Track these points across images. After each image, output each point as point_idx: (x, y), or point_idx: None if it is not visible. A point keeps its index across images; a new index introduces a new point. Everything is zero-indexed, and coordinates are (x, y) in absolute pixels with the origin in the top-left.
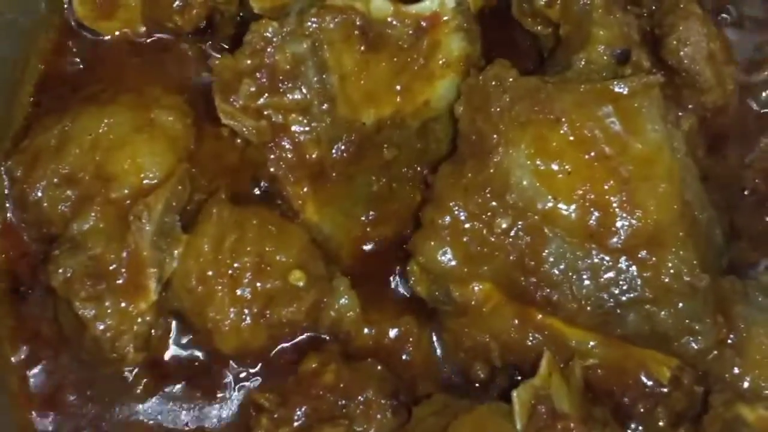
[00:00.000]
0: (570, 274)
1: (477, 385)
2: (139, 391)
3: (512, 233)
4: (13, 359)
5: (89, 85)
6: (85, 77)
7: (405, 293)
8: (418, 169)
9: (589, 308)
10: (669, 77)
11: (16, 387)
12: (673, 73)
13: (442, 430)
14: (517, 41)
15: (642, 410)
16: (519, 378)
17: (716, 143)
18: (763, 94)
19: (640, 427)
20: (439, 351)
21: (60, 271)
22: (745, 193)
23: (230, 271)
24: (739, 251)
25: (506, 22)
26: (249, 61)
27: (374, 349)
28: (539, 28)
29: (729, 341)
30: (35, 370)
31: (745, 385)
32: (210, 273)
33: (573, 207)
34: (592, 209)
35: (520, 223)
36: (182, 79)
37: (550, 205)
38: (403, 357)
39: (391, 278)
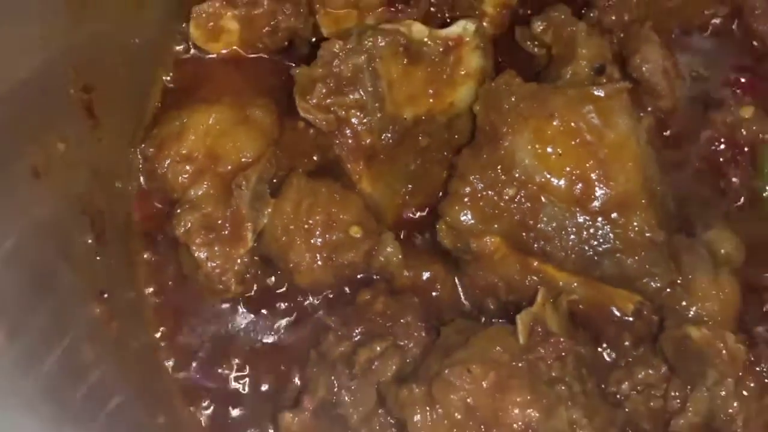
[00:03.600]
0: (560, 230)
1: (489, 314)
2: (237, 315)
3: (516, 199)
4: (146, 291)
5: (200, 90)
6: (196, 84)
7: (435, 246)
8: (445, 153)
9: (573, 256)
10: (634, 86)
11: (150, 315)
12: (636, 83)
13: (462, 343)
14: (519, 58)
15: (612, 334)
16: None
17: (669, 135)
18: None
19: (609, 347)
20: (460, 289)
21: (182, 224)
22: (690, 172)
23: (306, 226)
24: (687, 216)
25: (512, 44)
26: (321, 71)
27: (412, 287)
28: (536, 49)
29: (679, 282)
30: (161, 300)
31: (691, 314)
32: (291, 227)
33: (562, 180)
34: (576, 182)
35: (522, 192)
36: (269, 85)
37: (545, 178)
38: (433, 293)
39: (425, 234)
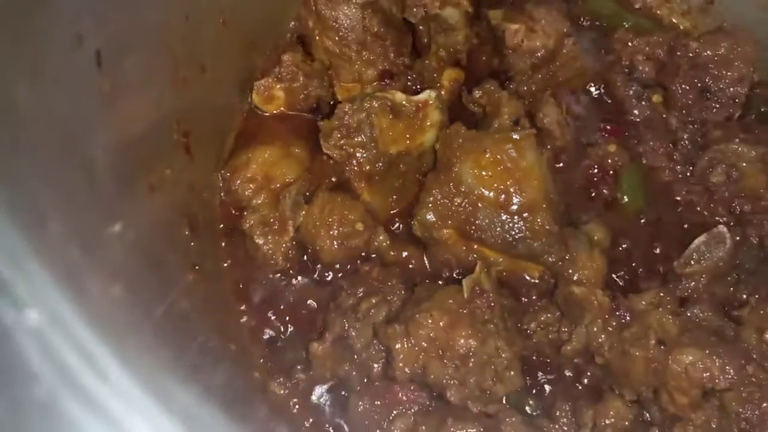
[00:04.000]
0: (491, 225)
1: (445, 279)
2: (283, 281)
3: (462, 205)
4: (224, 265)
5: (260, 135)
6: (258, 131)
7: (411, 235)
8: (417, 176)
9: (499, 241)
10: (538, 132)
11: (227, 280)
12: (540, 130)
13: (428, 298)
14: (465, 114)
15: (525, 291)
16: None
17: (561, 163)
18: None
19: (524, 299)
20: (427, 263)
21: (247, 222)
22: (575, 187)
23: (327, 223)
24: (572, 214)
25: (460, 105)
26: (336, 123)
27: (396, 262)
28: (476, 108)
29: (567, 257)
30: (236, 273)
31: (575, 278)
32: (317, 224)
33: (492, 192)
34: (501, 193)
35: (466, 200)
36: (304, 132)
37: (480, 191)
38: (410, 266)
39: (405, 227)
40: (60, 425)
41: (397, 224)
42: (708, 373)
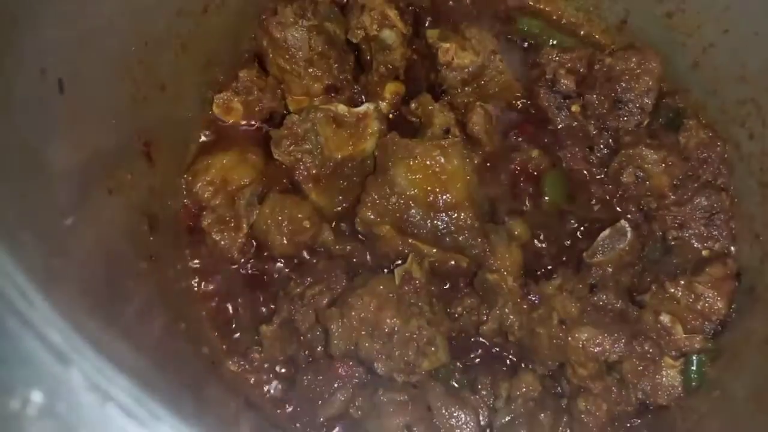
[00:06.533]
0: (421, 221)
1: (382, 268)
2: (238, 272)
3: (397, 205)
4: (190, 265)
5: (220, 143)
6: (218, 139)
7: (353, 231)
8: (358, 179)
9: (430, 236)
10: (469, 139)
11: (188, 271)
12: (470, 137)
13: (363, 285)
14: (403, 123)
15: (452, 279)
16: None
17: (489, 166)
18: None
19: (451, 285)
20: (368, 255)
21: (207, 219)
22: (501, 187)
23: (278, 220)
24: (496, 211)
25: (400, 117)
26: (286, 131)
27: (340, 255)
28: (414, 119)
29: (487, 250)
30: (196, 265)
31: (493, 267)
32: (269, 221)
33: (421, 193)
34: (429, 194)
35: (400, 200)
36: (259, 140)
37: (412, 192)
38: (353, 259)
39: (348, 224)
40: None
41: (341, 221)
42: (600, 348)
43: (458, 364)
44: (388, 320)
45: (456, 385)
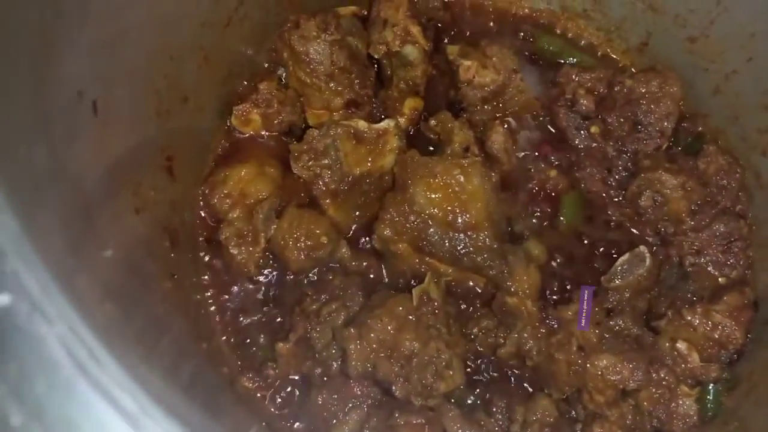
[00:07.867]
0: (440, 240)
1: (399, 288)
2: (255, 287)
3: (415, 223)
4: (202, 272)
5: (237, 155)
6: (236, 151)
7: (371, 248)
8: (377, 195)
9: (448, 256)
10: (488, 158)
11: (204, 292)
12: (489, 156)
13: (381, 305)
14: (422, 140)
15: (470, 300)
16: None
17: (508, 185)
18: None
19: (469, 307)
20: (385, 273)
21: (224, 233)
22: (519, 206)
23: (295, 236)
24: (514, 232)
25: (418, 132)
26: (306, 146)
27: (357, 271)
28: (432, 135)
29: (505, 271)
30: (213, 279)
31: (512, 289)
32: (286, 236)
33: (441, 212)
34: (449, 213)
35: (419, 219)
36: (278, 153)
37: (431, 211)
38: (370, 276)
39: (365, 240)
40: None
41: (359, 237)
42: (619, 376)
43: (473, 387)
44: (407, 343)
45: (470, 403)
